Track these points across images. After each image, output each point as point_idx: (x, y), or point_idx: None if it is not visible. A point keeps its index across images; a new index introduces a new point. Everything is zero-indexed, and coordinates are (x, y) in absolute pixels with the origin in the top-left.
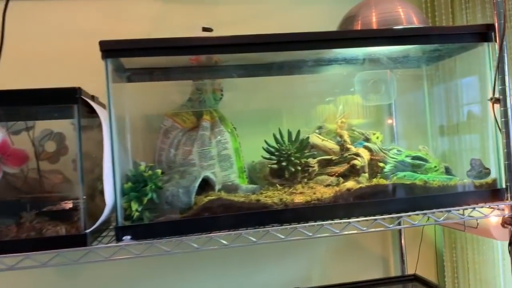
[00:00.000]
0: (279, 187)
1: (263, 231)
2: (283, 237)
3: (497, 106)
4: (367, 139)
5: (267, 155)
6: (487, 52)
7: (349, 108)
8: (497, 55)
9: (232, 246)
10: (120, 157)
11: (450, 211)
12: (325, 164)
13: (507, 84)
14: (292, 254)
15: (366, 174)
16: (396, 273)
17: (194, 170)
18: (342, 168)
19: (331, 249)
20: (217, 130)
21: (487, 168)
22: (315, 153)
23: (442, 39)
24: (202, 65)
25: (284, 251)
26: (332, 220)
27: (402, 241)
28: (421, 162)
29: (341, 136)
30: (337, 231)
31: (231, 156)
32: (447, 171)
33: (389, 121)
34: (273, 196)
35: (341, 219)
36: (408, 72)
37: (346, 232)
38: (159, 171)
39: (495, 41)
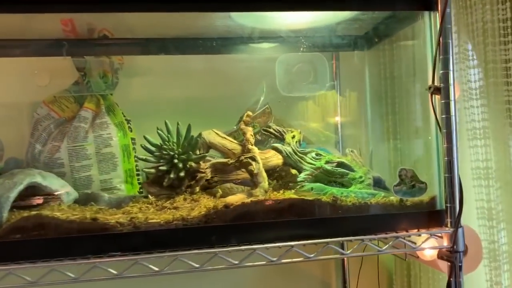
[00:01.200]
0: (151, 199)
1: (87, 264)
2: (115, 273)
3: (437, 97)
4: (282, 138)
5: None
6: (428, 24)
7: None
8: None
9: (40, 284)
10: None
11: (362, 240)
12: (222, 169)
13: (450, 67)
14: (211, 281)
15: (265, 184)
16: None
17: (18, 174)
18: (245, 174)
19: (261, 274)
20: (99, 122)
21: (422, 182)
22: (207, 154)
23: (369, 5)
24: (83, 38)
25: (202, 277)
26: (198, 248)
27: (345, 264)
28: (344, 170)
29: (244, 134)
30: (198, 266)
31: (115, 155)
32: (377, 183)
33: (336, 118)
34: (132, 213)
35: (211, 248)
36: (348, 55)
37: (210, 267)
38: None
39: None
